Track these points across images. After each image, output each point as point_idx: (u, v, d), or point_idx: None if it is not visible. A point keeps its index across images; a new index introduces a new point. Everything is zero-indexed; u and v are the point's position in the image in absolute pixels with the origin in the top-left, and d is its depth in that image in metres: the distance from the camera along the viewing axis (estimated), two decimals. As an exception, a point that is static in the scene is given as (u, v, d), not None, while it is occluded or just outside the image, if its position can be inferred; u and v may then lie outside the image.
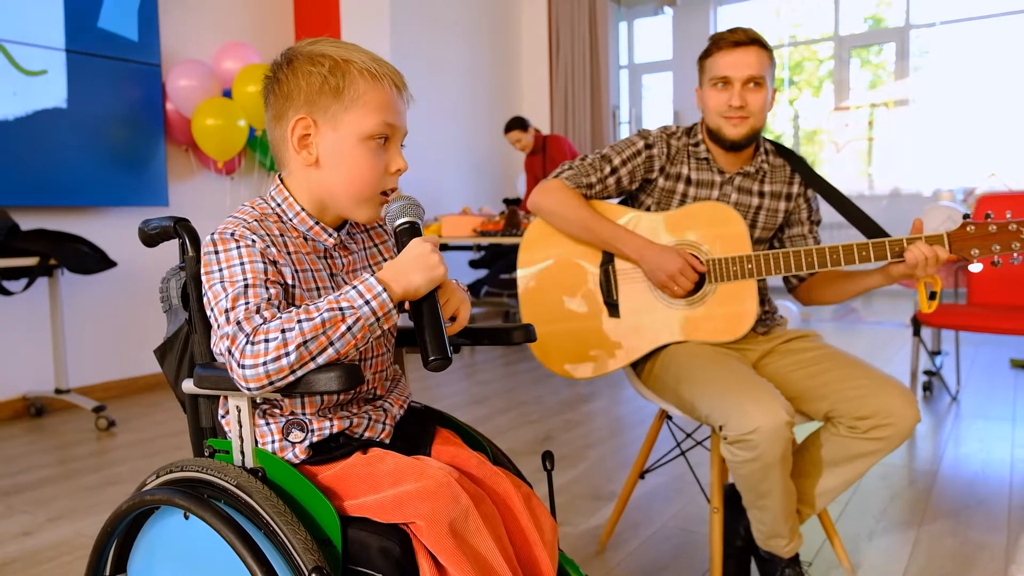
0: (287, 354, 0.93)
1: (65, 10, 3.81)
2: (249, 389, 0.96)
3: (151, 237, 1.24)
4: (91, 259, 3.63)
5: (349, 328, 0.96)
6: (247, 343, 0.95)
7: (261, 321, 0.97)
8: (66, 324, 3.84)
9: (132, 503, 1.09)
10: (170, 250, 1.25)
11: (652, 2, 7.72)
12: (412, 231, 1.09)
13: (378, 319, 0.99)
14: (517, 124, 5.82)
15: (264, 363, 0.94)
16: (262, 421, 1.10)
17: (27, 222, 3.69)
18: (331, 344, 0.95)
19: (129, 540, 1.16)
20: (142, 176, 4.20)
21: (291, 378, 0.95)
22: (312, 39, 1.13)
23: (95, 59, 3.95)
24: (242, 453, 1.08)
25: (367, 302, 0.98)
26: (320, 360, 0.95)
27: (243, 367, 0.95)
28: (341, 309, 0.96)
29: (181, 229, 1.20)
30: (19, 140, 3.66)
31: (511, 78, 7.03)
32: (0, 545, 2.22)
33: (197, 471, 1.07)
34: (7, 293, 3.56)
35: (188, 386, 1.14)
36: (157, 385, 4.34)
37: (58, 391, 3.71)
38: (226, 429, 1.13)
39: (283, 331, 0.94)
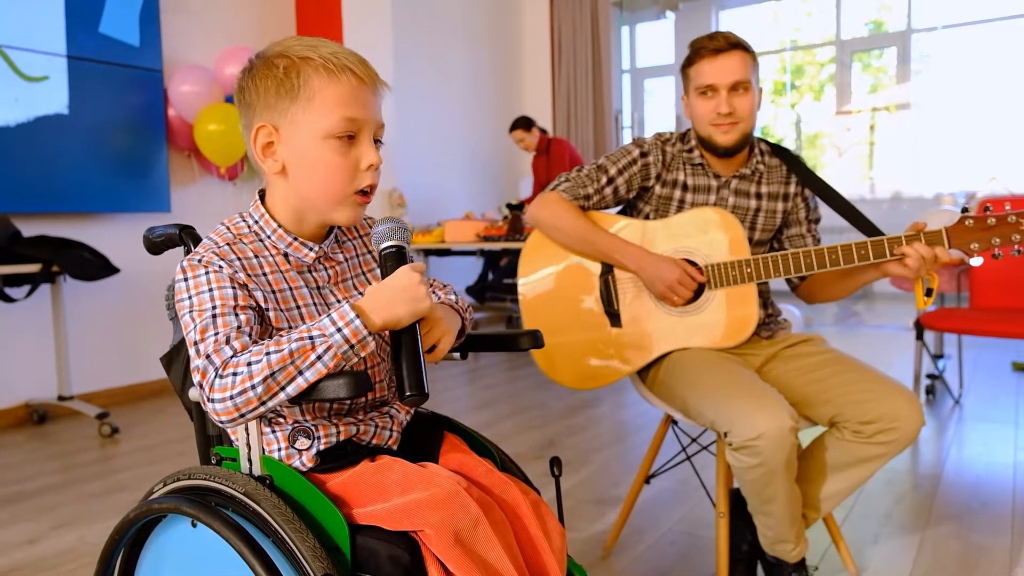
0: (253, 387, 0.93)
1: (66, 16, 3.82)
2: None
3: (156, 245, 1.24)
4: (94, 265, 3.64)
5: (319, 357, 0.94)
6: (216, 377, 0.94)
7: (231, 354, 0.96)
8: (69, 331, 3.84)
9: (139, 511, 1.08)
10: (173, 257, 1.25)
11: (654, 6, 7.73)
12: (399, 256, 1.06)
13: (352, 347, 0.96)
14: (520, 123, 5.84)
15: (231, 396, 0.93)
16: (268, 429, 1.10)
17: (29, 229, 3.69)
18: (300, 373, 0.94)
19: (136, 549, 1.15)
20: (144, 182, 4.21)
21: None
22: (281, 39, 1.10)
23: (96, 65, 3.96)
24: (249, 461, 1.08)
25: (339, 329, 0.95)
26: (290, 390, 0.94)
27: (212, 401, 0.94)
28: (311, 338, 0.95)
29: (186, 236, 1.21)
30: (21, 146, 3.66)
31: (513, 82, 7.04)
32: (5, 553, 2.22)
33: (204, 479, 1.07)
34: (9, 300, 3.57)
35: (195, 394, 1.14)
36: (160, 392, 4.34)
37: (61, 398, 3.72)
38: (233, 437, 1.13)
39: (249, 364, 0.93)
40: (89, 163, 3.94)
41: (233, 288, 1.02)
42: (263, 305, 1.06)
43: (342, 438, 1.10)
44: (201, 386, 0.95)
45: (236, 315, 1.00)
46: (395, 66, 5.49)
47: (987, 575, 1.92)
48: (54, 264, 3.48)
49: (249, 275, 1.06)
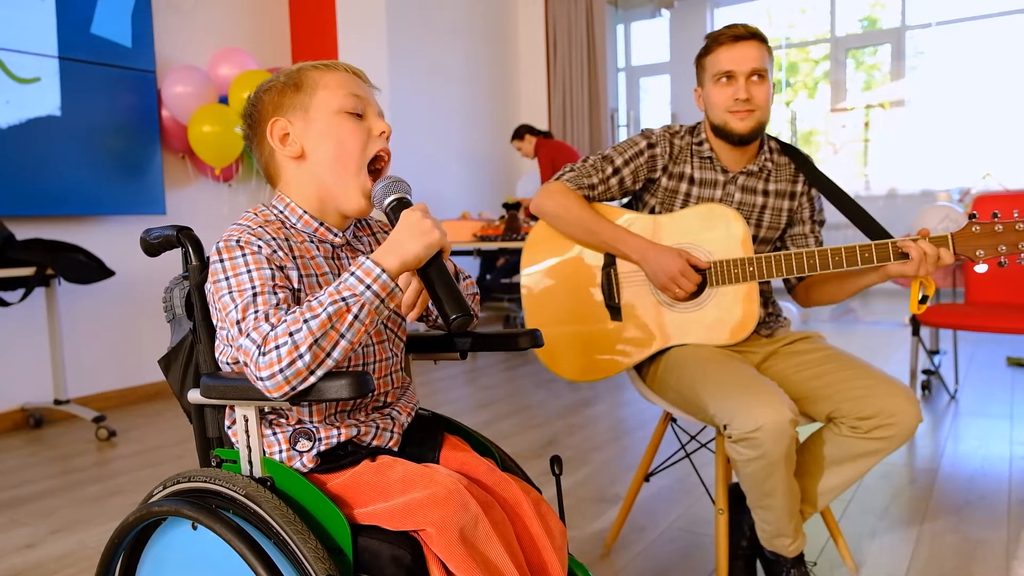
0: (300, 356, 0.94)
1: (58, 17, 3.79)
2: (273, 398, 0.96)
3: (153, 246, 1.23)
4: (88, 268, 3.62)
5: (356, 316, 0.97)
6: (259, 354, 0.95)
7: (269, 328, 0.96)
8: (64, 334, 3.83)
9: (139, 514, 1.08)
10: (168, 259, 1.24)
11: (649, 4, 7.74)
12: (401, 206, 1.10)
13: (382, 300, 1.00)
14: (515, 135, 5.90)
15: (281, 370, 0.94)
16: (268, 431, 1.10)
17: (23, 232, 3.68)
18: (342, 337, 0.96)
19: (136, 552, 1.15)
20: (139, 184, 4.19)
21: (312, 379, 0.95)
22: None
23: (89, 66, 3.93)
24: (250, 463, 1.07)
25: (368, 287, 0.98)
26: (335, 354, 0.96)
27: (261, 379, 0.95)
28: (344, 299, 0.97)
29: (184, 238, 1.20)
30: (13, 149, 3.64)
31: (509, 82, 7.04)
32: (4, 558, 2.21)
33: (205, 481, 1.07)
34: (4, 304, 3.55)
35: (194, 396, 1.13)
36: (157, 395, 4.33)
37: (57, 402, 3.70)
38: (233, 440, 1.13)
39: (291, 334, 0.94)
40: (82, 165, 3.92)
41: (271, 269, 1.05)
42: (295, 286, 1.08)
43: (343, 439, 1.10)
44: (247, 364, 0.96)
45: (275, 293, 1.02)
46: (390, 65, 5.48)
47: (984, 568, 1.93)
48: (48, 267, 3.46)
49: (285, 254, 1.09)
